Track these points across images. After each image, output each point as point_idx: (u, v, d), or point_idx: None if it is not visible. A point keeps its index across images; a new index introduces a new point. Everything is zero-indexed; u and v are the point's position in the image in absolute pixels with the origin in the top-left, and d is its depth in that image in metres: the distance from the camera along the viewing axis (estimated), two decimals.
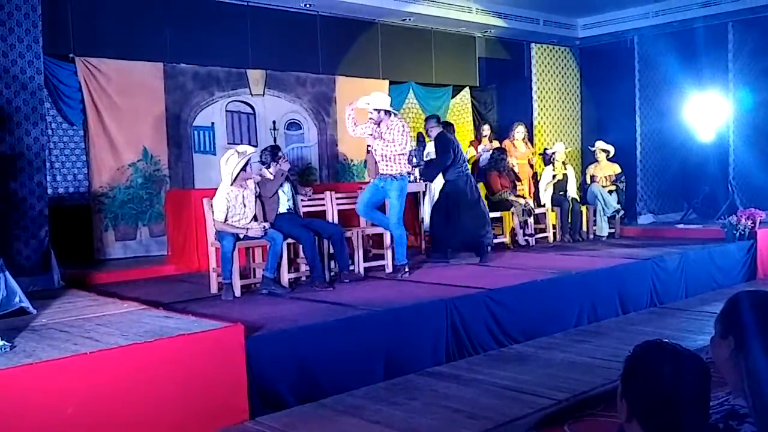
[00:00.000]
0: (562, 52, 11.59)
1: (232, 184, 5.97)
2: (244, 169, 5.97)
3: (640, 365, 1.72)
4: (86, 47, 8.06)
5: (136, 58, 8.39)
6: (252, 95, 9.27)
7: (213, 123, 9.02)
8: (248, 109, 9.16)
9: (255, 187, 6.25)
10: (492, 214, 8.72)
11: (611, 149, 9.77)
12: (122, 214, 8.28)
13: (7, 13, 6.04)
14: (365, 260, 7.01)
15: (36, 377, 3.48)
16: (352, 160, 10.32)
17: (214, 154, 8.81)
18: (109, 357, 3.73)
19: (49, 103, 7.70)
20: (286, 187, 6.52)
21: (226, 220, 5.94)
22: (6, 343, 3.86)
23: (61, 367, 3.57)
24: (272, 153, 6.51)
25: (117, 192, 8.25)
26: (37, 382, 3.47)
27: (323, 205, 7.10)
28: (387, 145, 6.58)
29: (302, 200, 6.80)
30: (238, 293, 5.93)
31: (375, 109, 6.58)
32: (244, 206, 6.07)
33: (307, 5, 9.49)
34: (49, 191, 6.90)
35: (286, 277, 6.25)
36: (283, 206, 6.46)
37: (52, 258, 6.35)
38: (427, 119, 8.02)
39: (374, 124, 6.65)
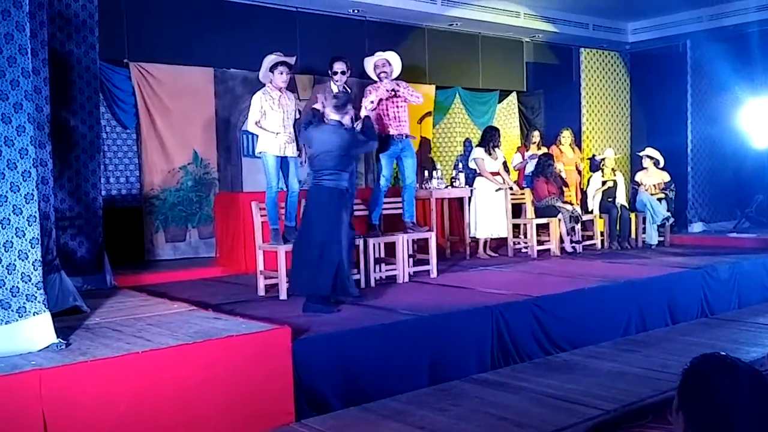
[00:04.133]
0: (612, 56, 11.42)
1: (270, 82, 6.19)
2: (279, 70, 6.15)
3: (698, 378, 1.69)
4: (140, 52, 8.26)
5: (188, 63, 8.56)
6: (300, 100, 9.34)
7: None
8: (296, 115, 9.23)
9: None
10: (539, 221, 8.67)
11: (660, 157, 9.59)
12: (172, 216, 8.45)
13: (65, 20, 6.21)
14: (411, 265, 7.01)
15: (90, 375, 3.57)
16: None
17: None
18: (159, 357, 3.81)
19: (104, 107, 7.90)
20: None
21: (258, 124, 6.11)
22: (62, 341, 3.97)
23: (114, 365, 3.66)
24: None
25: (168, 194, 8.42)
26: (91, 380, 3.56)
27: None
28: (404, 102, 6.95)
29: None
30: (284, 296, 6.00)
31: (390, 63, 6.96)
32: (283, 112, 6.22)
33: (355, 10, 9.55)
34: (103, 193, 7.07)
35: None
36: None
37: (104, 258, 6.50)
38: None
39: (390, 80, 6.91)
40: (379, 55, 7.03)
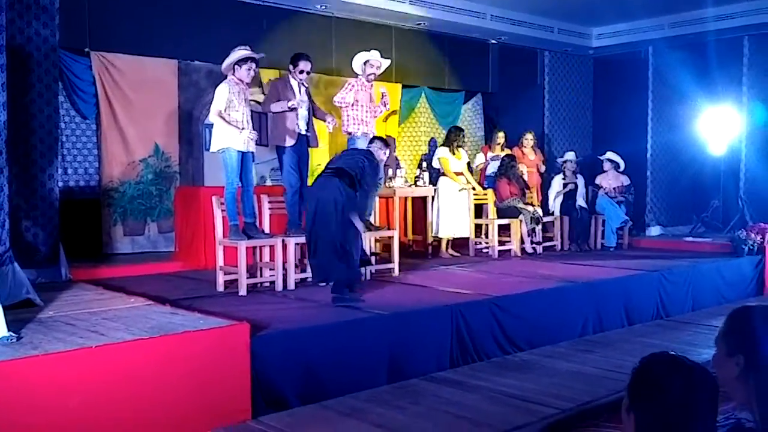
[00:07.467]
0: (576, 60, 11.55)
1: (233, 74, 6.16)
2: (248, 66, 6.14)
3: (648, 378, 1.70)
4: (101, 42, 8.08)
5: (151, 54, 8.41)
6: (265, 94, 9.28)
7: None
8: (260, 109, 9.16)
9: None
10: (500, 222, 8.74)
11: (620, 161, 9.75)
12: (131, 209, 8.30)
13: (25, 6, 6.08)
14: (374, 263, 6.99)
15: (41, 369, 3.50)
16: None
17: None
18: (114, 351, 3.75)
19: (63, 96, 7.73)
20: None
21: (222, 115, 6.02)
22: (13, 335, 3.88)
23: (66, 359, 3.59)
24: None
25: (127, 187, 8.27)
26: (43, 374, 3.49)
27: None
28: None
29: None
30: (243, 291, 5.95)
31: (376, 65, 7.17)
32: (245, 107, 6.19)
33: (323, 7, 9.50)
34: (60, 184, 6.92)
35: (292, 278, 6.26)
36: None
37: (60, 251, 6.37)
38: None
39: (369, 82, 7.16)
40: (376, 57, 7.07)
